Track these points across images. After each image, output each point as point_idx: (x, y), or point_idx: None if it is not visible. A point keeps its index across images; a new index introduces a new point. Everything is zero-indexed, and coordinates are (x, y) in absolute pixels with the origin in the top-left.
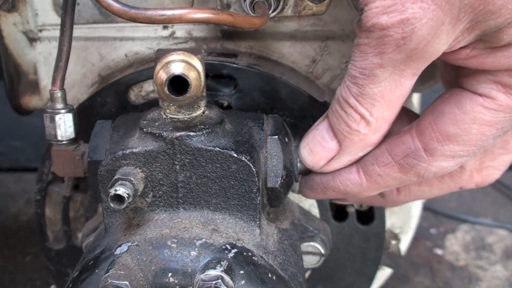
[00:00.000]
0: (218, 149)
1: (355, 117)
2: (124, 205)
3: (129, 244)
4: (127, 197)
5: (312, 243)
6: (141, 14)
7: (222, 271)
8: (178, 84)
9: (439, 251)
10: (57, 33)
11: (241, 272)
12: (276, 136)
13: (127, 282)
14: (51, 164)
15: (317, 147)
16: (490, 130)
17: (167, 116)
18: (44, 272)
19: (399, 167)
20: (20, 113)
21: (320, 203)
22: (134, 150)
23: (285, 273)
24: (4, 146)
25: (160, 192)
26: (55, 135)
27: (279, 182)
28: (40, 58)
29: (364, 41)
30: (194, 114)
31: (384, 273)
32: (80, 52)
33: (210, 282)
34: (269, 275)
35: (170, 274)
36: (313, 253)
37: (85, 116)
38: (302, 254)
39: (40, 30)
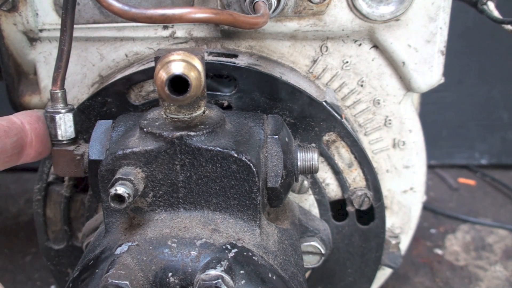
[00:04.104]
0: (218, 149)
1: None
2: (125, 205)
3: (130, 244)
4: (127, 197)
5: (312, 243)
6: (142, 13)
7: (222, 271)
8: (179, 84)
9: (439, 251)
10: (57, 33)
11: (241, 272)
12: (277, 136)
13: (127, 282)
14: (51, 164)
15: None
16: None
17: (167, 116)
18: (44, 272)
19: None
20: None
21: (320, 203)
22: (135, 150)
23: (285, 273)
24: None
25: (161, 192)
26: (56, 135)
27: (280, 182)
28: (40, 58)
29: None
30: (194, 114)
31: (384, 273)
32: (81, 52)
33: (211, 281)
34: (269, 275)
35: (170, 274)
36: (313, 253)
37: (85, 116)
38: (302, 254)
39: (41, 30)
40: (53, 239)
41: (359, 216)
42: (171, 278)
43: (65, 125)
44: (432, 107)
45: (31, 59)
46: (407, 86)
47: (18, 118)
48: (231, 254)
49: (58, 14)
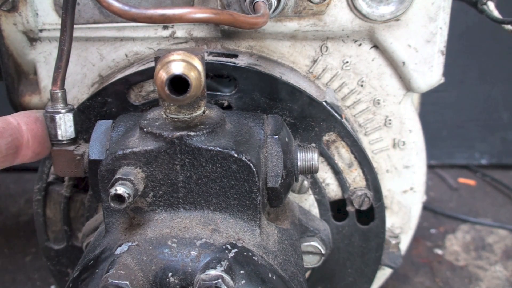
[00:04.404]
0: (218, 149)
1: None
2: (125, 205)
3: (130, 244)
4: (127, 197)
5: (312, 243)
6: (142, 13)
7: (222, 271)
8: (179, 84)
9: (439, 251)
10: (57, 33)
11: (242, 272)
12: (277, 136)
13: (127, 282)
14: (51, 164)
15: None
16: None
17: (167, 116)
18: (44, 272)
19: None
20: None
21: (320, 203)
22: (135, 150)
23: (285, 273)
24: None
25: (161, 192)
26: (56, 135)
27: (280, 182)
28: (40, 58)
29: None
30: (194, 114)
31: (384, 273)
32: (81, 52)
33: (211, 281)
34: (269, 275)
35: (170, 274)
36: (313, 253)
37: (85, 116)
38: (302, 254)
39: (41, 30)
40: (53, 239)
41: (359, 216)
42: (171, 278)
43: (65, 125)
44: (432, 107)
45: (31, 59)
46: (407, 86)
47: (15, 119)
48: (231, 254)
49: (58, 14)
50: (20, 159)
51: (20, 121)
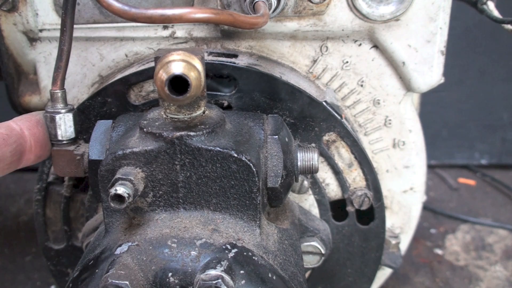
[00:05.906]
0: (218, 149)
1: None
2: (125, 205)
3: (130, 244)
4: (127, 197)
5: (312, 243)
6: (142, 14)
7: (222, 271)
8: (179, 84)
9: (439, 251)
10: (57, 33)
11: (241, 272)
12: (276, 136)
13: (127, 282)
14: (51, 164)
15: None
16: None
17: (167, 116)
18: (44, 272)
19: None
20: (20, 113)
21: (320, 203)
22: (135, 150)
23: (285, 273)
24: None
25: (161, 192)
26: (56, 135)
27: (279, 182)
28: (40, 58)
29: None
30: (194, 114)
31: (384, 273)
32: (80, 52)
33: (211, 281)
34: (269, 275)
35: (170, 274)
36: (313, 253)
37: (85, 116)
38: (302, 254)
39: (40, 30)
40: (53, 239)
41: (359, 216)
42: (171, 278)
43: (65, 125)
44: (432, 107)
45: (31, 59)
46: (407, 86)
47: (17, 124)
48: (231, 254)
49: (58, 14)
50: (23, 163)
51: (22, 126)
